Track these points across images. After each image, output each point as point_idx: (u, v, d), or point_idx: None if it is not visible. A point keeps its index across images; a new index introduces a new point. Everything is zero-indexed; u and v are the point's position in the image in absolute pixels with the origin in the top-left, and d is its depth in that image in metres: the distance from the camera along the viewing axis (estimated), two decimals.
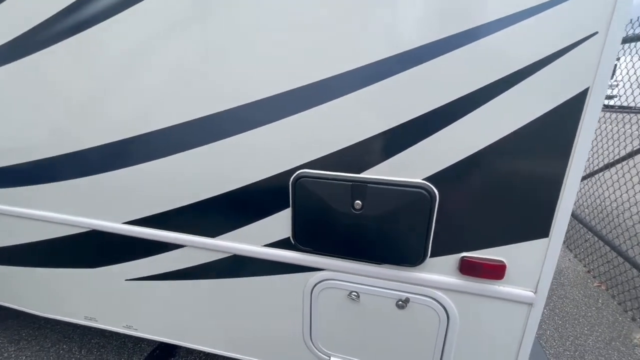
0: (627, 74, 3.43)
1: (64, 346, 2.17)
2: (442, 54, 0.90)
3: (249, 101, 1.09)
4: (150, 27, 1.12)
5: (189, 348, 1.68)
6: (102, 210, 1.42)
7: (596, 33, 0.80)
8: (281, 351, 1.45)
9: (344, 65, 0.99)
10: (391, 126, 1.00)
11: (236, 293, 1.39)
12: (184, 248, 1.37)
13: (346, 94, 1.00)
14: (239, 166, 1.18)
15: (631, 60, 3.35)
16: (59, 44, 1.22)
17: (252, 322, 1.44)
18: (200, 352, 2.08)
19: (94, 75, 1.23)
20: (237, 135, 1.14)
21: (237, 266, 1.34)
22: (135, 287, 1.52)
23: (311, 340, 1.36)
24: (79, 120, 1.30)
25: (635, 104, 3.31)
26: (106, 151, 1.30)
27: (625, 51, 3.39)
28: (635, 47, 3.24)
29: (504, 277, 1.05)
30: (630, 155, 3.26)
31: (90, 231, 1.47)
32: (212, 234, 1.31)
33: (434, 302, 1.14)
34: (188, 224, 1.33)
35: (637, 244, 2.96)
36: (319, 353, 1.36)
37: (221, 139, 1.16)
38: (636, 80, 3.41)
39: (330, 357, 1.36)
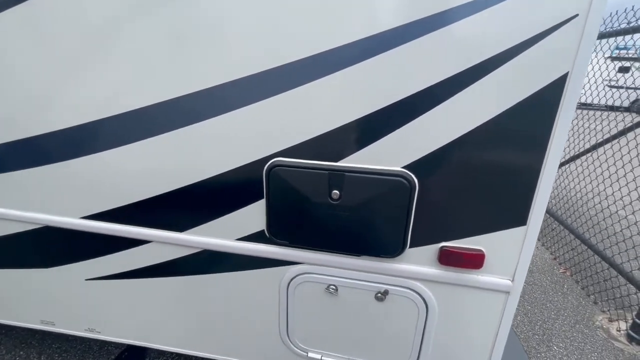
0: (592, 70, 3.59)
1: (21, 352, 2.00)
2: (418, 37, 0.86)
3: (219, 84, 1.01)
4: (104, 7, 1.00)
5: (159, 349, 1.58)
6: (56, 204, 1.29)
7: (576, 15, 0.79)
8: (257, 349, 1.39)
9: (318, 46, 0.92)
10: (369, 112, 0.95)
11: (208, 290, 1.31)
12: (150, 244, 1.27)
13: (321, 77, 0.94)
14: (208, 154, 1.09)
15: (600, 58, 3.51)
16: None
17: (226, 320, 1.37)
18: (172, 353, 1.98)
19: (44, 54, 1.09)
20: (206, 121, 1.06)
21: (208, 262, 1.26)
22: (96, 287, 1.40)
23: (288, 337, 1.31)
24: (28, 104, 1.16)
25: (599, 101, 3.48)
26: (60, 138, 1.17)
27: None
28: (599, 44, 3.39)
29: (483, 267, 1.04)
30: (594, 147, 3.42)
31: (43, 227, 1.33)
32: (181, 228, 1.22)
33: (413, 293, 1.12)
34: (154, 218, 1.23)
35: (599, 232, 3.13)
36: (296, 349, 1.32)
37: (189, 124, 1.07)
38: (599, 78, 3.58)
39: (307, 352, 1.31)
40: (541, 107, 0.87)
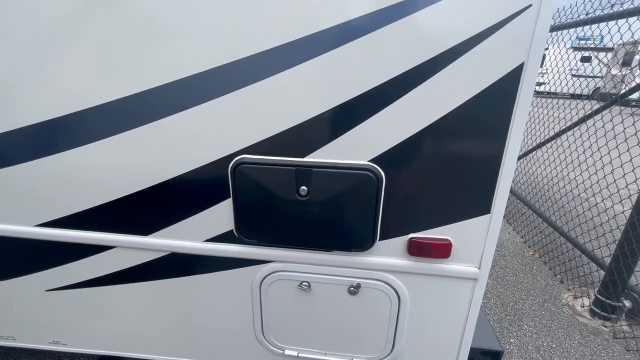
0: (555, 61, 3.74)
1: None
2: (378, 29, 0.85)
3: (179, 79, 0.96)
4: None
5: (132, 358, 1.53)
6: (7, 212, 1.20)
7: (530, 6, 0.80)
8: (233, 350, 1.37)
9: (282, 38, 0.90)
10: (333, 106, 0.94)
11: (179, 294, 1.27)
12: (114, 249, 1.21)
13: (283, 70, 0.92)
14: (170, 153, 1.05)
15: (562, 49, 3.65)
16: None
17: (199, 323, 1.33)
18: None
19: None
20: (166, 118, 1.01)
21: (177, 265, 1.22)
22: (58, 297, 1.33)
23: (263, 336, 1.29)
24: None
25: (557, 89, 3.64)
26: (9, 141, 1.09)
27: (553, 40, 3.68)
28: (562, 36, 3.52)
29: (450, 256, 1.06)
30: (558, 135, 3.58)
31: None
32: (145, 232, 1.17)
33: (385, 285, 1.13)
34: (116, 222, 1.17)
35: (564, 215, 3.29)
36: (272, 347, 1.31)
37: (150, 122, 1.02)
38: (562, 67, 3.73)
39: (284, 350, 1.31)
40: (500, 97, 0.89)
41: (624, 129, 2.55)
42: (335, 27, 0.88)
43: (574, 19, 3.16)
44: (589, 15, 2.88)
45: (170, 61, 0.95)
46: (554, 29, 3.55)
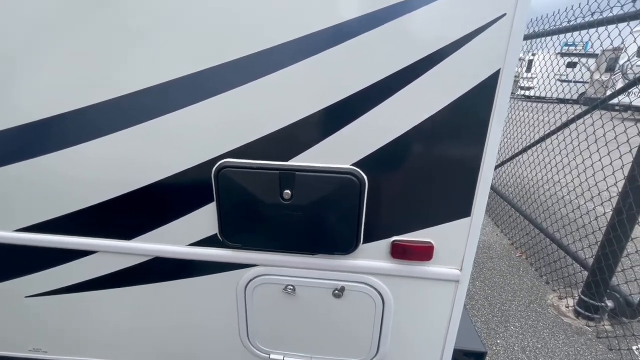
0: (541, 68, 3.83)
1: None
2: (360, 34, 0.87)
3: (161, 82, 0.96)
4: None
5: None
6: None
7: (504, 15, 0.82)
8: (218, 355, 1.36)
9: (265, 42, 0.90)
10: (316, 110, 0.95)
11: (162, 299, 1.26)
12: (96, 254, 1.20)
13: (266, 75, 0.92)
14: (152, 157, 1.04)
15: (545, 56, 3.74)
16: None
17: (183, 329, 1.32)
18: None
19: None
20: (148, 122, 1.00)
21: (160, 269, 1.21)
22: (38, 303, 1.30)
23: (249, 340, 1.28)
24: None
25: (544, 94, 3.72)
26: None
27: (540, 47, 3.77)
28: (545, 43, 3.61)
29: (432, 258, 1.08)
30: (543, 139, 3.66)
31: None
32: (128, 236, 1.16)
33: (369, 288, 1.14)
34: (98, 227, 1.16)
35: (549, 217, 3.36)
36: (258, 352, 1.30)
37: (132, 125, 1.01)
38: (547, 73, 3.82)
39: (269, 354, 1.30)
40: (477, 102, 0.91)
41: (604, 133, 2.62)
42: (317, 33, 0.89)
43: (557, 26, 3.24)
44: (571, 23, 2.97)
45: (153, 64, 0.95)
46: (539, 35, 3.64)
